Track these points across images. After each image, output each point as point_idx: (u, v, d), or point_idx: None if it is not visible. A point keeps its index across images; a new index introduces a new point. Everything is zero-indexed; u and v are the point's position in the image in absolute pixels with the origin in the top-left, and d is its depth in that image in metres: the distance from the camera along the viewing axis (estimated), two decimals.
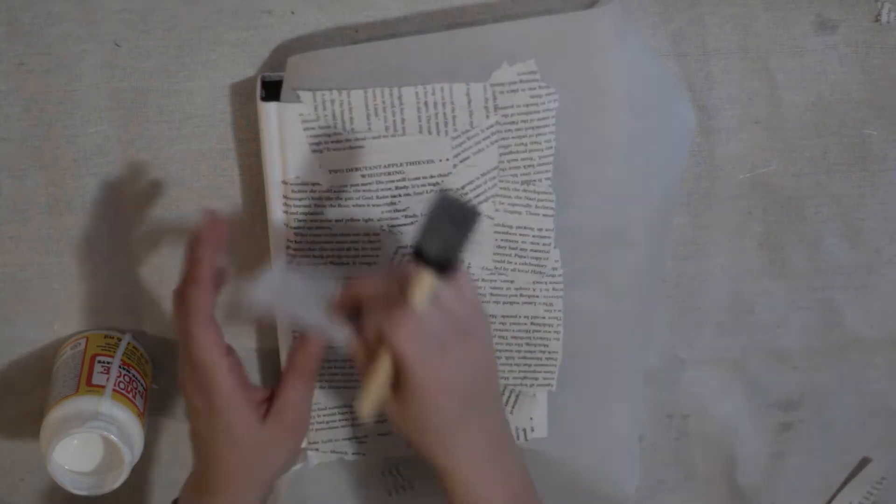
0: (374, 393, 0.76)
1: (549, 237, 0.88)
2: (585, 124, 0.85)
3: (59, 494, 0.89)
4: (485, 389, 0.80)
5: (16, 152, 0.87)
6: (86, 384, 0.88)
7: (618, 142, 0.87)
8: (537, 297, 0.90)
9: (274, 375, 0.94)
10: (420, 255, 0.76)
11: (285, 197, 0.86)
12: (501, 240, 0.88)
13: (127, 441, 0.86)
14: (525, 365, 0.92)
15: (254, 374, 0.96)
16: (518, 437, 0.94)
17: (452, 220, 0.75)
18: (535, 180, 0.87)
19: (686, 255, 0.95)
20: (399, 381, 0.76)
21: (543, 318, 0.91)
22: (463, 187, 0.86)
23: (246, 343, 0.94)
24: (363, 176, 0.85)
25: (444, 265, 0.76)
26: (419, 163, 0.85)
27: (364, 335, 0.77)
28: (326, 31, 0.85)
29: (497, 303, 0.90)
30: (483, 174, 0.86)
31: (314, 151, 0.84)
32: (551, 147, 0.86)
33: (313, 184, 0.85)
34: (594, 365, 0.93)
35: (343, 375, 0.91)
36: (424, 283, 0.76)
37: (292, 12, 0.84)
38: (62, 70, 0.84)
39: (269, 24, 0.84)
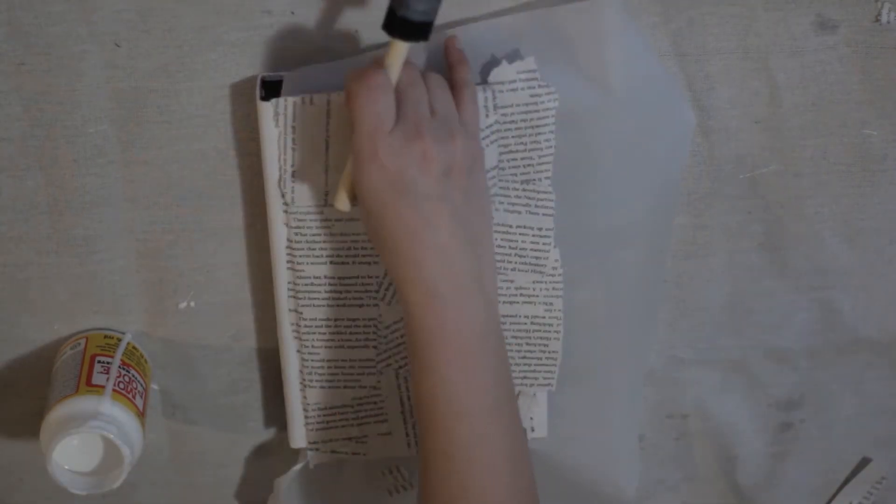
0: (345, 178, 0.76)
1: (548, 237, 0.88)
2: (585, 123, 0.85)
3: (59, 494, 0.89)
4: (449, 193, 0.77)
5: (16, 152, 0.87)
6: (86, 384, 0.88)
7: (618, 141, 0.87)
8: (537, 296, 0.90)
9: (274, 375, 0.94)
10: (391, 26, 0.76)
11: (285, 196, 0.86)
12: (501, 239, 0.88)
13: (127, 441, 0.86)
14: (525, 365, 0.92)
15: (254, 374, 0.96)
16: None
17: None
18: (534, 179, 0.87)
19: (686, 255, 0.95)
20: None
21: (543, 317, 0.91)
22: None
23: (246, 343, 0.95)
24: None
25: (418, 29, 0.75)
26: None
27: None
28: (326, 32, 0.85)
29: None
30: None
31: (321, 151, 0.84)
32: (551, 146, 0.86)
33: None
34: (594, 365, 0.94)
35: (343, 375, 0.91)
36: (396, 52, 0.76)
37: (292, 12, 0.84)
38: (62, 70, 0.84)
39: (269, 24, 0.84)
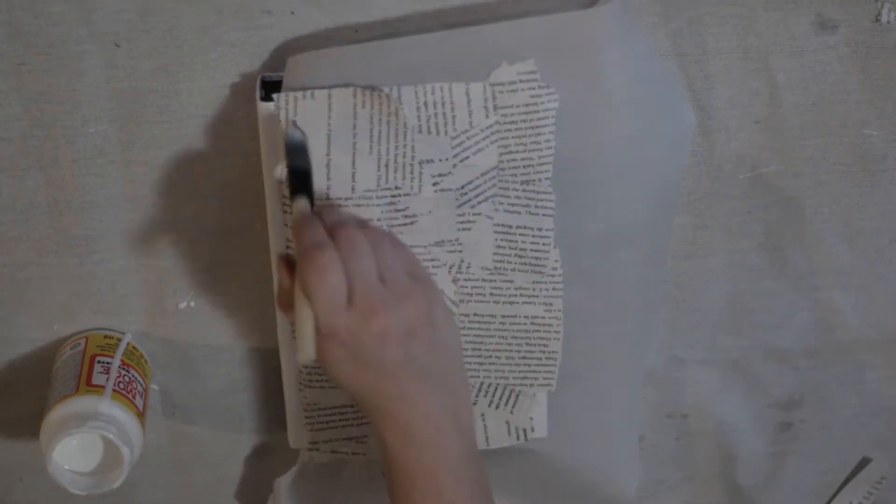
0: (306, 337, 0.76)
1: (548, 237, 0.88)
2: (585, 124, 0.85)
3: (59, 494, 0.89)
4: (414, 355, 0.77)
5: (16, 152, 0.87)
6: (85, 384, 0.88)
7: (618, 142, 0.86)
8: (537, 296, 0.90)
9: (274, 375, 0.94)
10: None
11: (285, 197, 0.86)
12: (501, 239, 0.88)
13: (126, 441, 0.86)
14: (525, 365, 0.92)
15: (254, 374, 0.96)
16: (518, 437, 0.94)
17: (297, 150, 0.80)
18: (534, 180, 0.87)
19: (686, 255, 0.95)
20: None
21: (543, 317, 0.91)
22: (462, 187, 0.86)
23: (246, 343, 0.95)
24: (370, 179, 0.85)
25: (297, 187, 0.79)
26: (425, 163, 0.85)
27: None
28: (326, 31, 0.85)
29: (497, 303, 0.90)
30: (482, 174, 0.86)
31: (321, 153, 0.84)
32: (551, 147, 0.86)
33: None
34: (594, 365, 0.93)
35: None
36: (297, 209, 0.78)
37: (292, 12, 0.84)
38: (62, 70, 0.84)
39: (269, 24, 0.84)
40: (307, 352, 0.76)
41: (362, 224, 0.81)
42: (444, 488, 0.78)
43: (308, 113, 0.83)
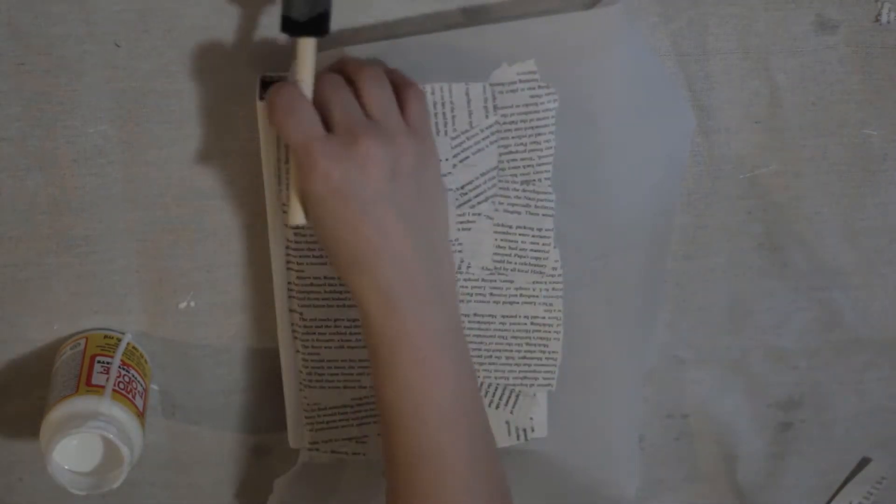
0: (293, 191, 0.75)
1: (548, 237, 0.88)
2: (585, 124, 0.85)
3: (59, 494, 0.89)
4: (398, 194, 0.74)
5: (16, 152, 0.87)
6: (85, 384, 0.88)
7: (618, 142, 0.87)
8: (537, 297, 0.90)
9: (274, 375, 0.94)
10: (291, 27, 0.75)
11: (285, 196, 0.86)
12: (501, 240, 0.88)
13: (126, 441, 0.86)
14: (525, 365, 0.92)
15: (254, 374, 0.96)
16: (518, 437, 0.94)
17: None
18: (534, 180, 0.87)
19: (686, 255, 0.95)
20: None
21: (543, 318, 0.91)
22: (462, 187, 0.86)
23: (246, 343, 0.95)
24: None
25: (314, 24, 0.75)
26: None
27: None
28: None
29: (497, 303, 0.90)
30: (482, 174, 0.86)
31: None
32: (551, 147, 0.86)
33: None
34: (594, 365, 0.94)
35: (343, 375, 0.91)
36: (304, 54, 0.75)
37: None
38: (62, 70, 0.84)
39: (269, 24, 0.84)
40: (292, 217, 0.75)
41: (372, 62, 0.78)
42: (427, 358, 0.76)
43: None
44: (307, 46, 0.76)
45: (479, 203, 0.87)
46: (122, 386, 0.88)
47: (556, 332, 0.91)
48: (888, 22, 0.89)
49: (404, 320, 0.76)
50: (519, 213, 0.87)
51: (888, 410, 1.03)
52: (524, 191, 0.87)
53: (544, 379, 0.93)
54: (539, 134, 0.85)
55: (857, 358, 1.01)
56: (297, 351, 0.91)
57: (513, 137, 0.85)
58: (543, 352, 0.92)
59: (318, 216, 0.75)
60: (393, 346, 0.76)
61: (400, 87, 0.78)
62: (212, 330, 0.94)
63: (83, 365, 0.89)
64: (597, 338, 0.93)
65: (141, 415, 0.89)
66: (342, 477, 0.97)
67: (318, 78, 0.76)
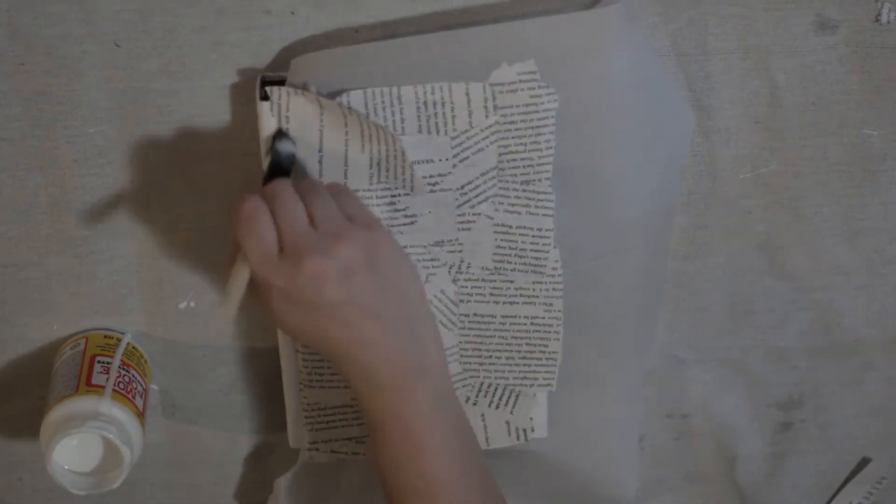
0: (233, 291, 0.78)
1: (548, 237, 0.88)
2: (585, 124, 0.85)
3: (59, 494, 0.89)
4: (360, 293, 0.77)
5: (16, 152, 0.87)
6: (85, 384, 0.88)
7: (618, 142, 0.86)
8: (537, 297, 0.90)
9: (274, 375, 0.94)
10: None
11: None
12: (501, 240, 0.88)
13: (126, 441, 0.86)
14: (525, 365, 0.92)
15: (254, 374, 0.96)
16: (518, 437, 0.94)
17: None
18: (534, 180, 0.87)
19: (686, 255, 0.95)
20: None
21: (543, 318, 0.91)
22: (462, 187, 0.86)
23: (246, 343, 0.95)
24: (362, 176, 0.85)
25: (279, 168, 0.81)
26: (418, 162, 0.85)
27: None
28: (326, 32, 0.85)
29: (497, 303, 0.90)
30: (482, 174, 0.86)
31: (314, 150, 0.84)
32: (551, 147, 0.86)
33: None
34: (594, 365, 0.93)
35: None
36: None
37: (292, 12, 0.84)
38: (62, 70, 0.84)
39: (269, 25, 0.84)
40: (228, 309, 0.79)
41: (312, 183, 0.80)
42: (413, 434, 0.78)
43: (300, 109, 0.83)
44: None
45: (478, 203, 0.87)
46: (122, 386, 0.88)
47: (556, 332, 0.91)
48: (888, 22, 0.89)
49: (388, 399, 0.78)
50: (519, 213, 0.87)
51: (888, 410, 1.03)
52: (524, 191, 0.87)
53: (544, 379, 0.93)
54: (539, 134, 0.85)
55: (857, 358, 1.01)
56: (297, 351, 0.91)
57: (513, 137, 0.85)
58: (543, 352, 0.92)
59: (285, 325, 0.78)
60: (381, 423, 0.79)
61: (331, 191, 0.80)
62: (212, 330, 0.94)
63: (83, 365, 0.89)
64: (597, 338, 0.93)
65: (141, 415, 0.89)
66: (342, 477, 0.97)
67: (273, 190, 0.78)
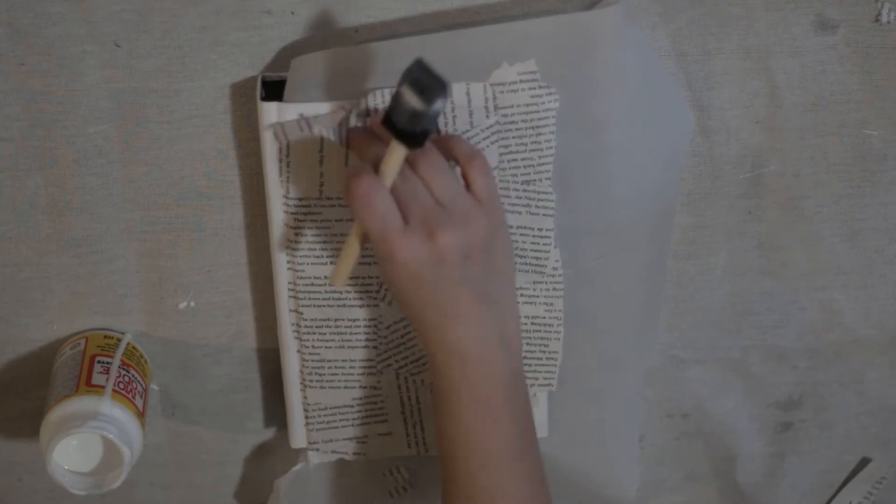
0: (343, 264, 0.80)
1: (549, 237, 0.88)
2: (585, 124, 0.85)
3: (59, 494, 0.89)
4: (471, 273, 0.79)
5: (16, 152, 0.87)
6: (85, 384, 0.88)
7: (618, 142, 0.87)
8: (537, 297, 0.90)
9: (274, 375, 0.94)
10: (391, 126, 0.77)
11: (285, 196, 0.86)
12: None
13: (126, 441, 0.86)
14: (525, 365, 0.92)
15: (254, 374, 0.96)
16: None
17: (421, 90, 0.75)
18: (535, 180, 0.87)
19: (686, 255, 0.95)
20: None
21: (543, 318, 0.91)
22: None
23: (246, 343, 0.95)
24: None
25: (412, 137, 0.76)
26: None
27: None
28: (326, 32, 0.85)
29: None
30: None
31: (315, 151, 0.84)
32: (551, 147, 0.86)
33: None
34: (594, 365, 0.94)
35: (343, 375, 0.91)
36: (393, 156, 0.77)
37: (292, 12, 0.84)
38: (62, 70, 0.84)
39: (269, 25, 0.84)
40: (336, 279, 0.81)
41: (427, 151, 0.80)
42: (489, 403, 0.80)
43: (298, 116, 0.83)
44: (398, 151, 0.77)
45: None
46: (122, 386, 0.88)
47: (557, 332, 0.91)
48: (888, 22, 0.89)
49: (468, 368, 0.80)
50: (519, 212, 0.87)
51: (888, 410, 1.03)
52: (525, 191, 0.87)
53: (544, 379, 0.93)
54: (540, 134, 0.85)
55: (857, 358, 1.01)
56: (298, 351, 0.91)
57: (513, 137, 0.85)
58: (543, 352, 0.92)
59: (395, 293, 0.80)
60: (456, 391, 0.81)
61: (464, 160, 0.81)
62: (212, 330, 0.94)
63: (83, 365, 0.89)
64: (597, 338, 0.93)
65: (141, 415, 0.89)
66: (342, 477, 0.97)
67: (400, 173, 0.78)
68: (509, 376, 0.81)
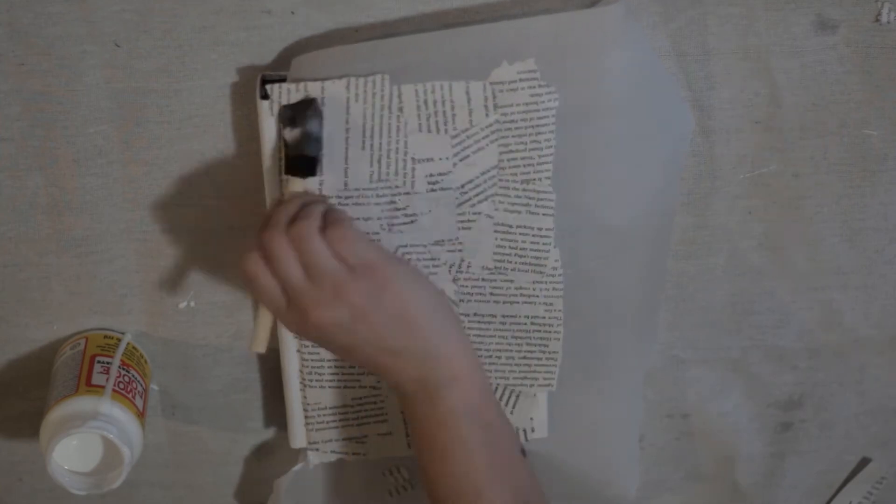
0: (259, 331, 0.83)
1: (548, 236, 0.88)
2: (585, 123, 0.85)
3: (59, 494, 0.89)
4: (372, 329, 0.79)
5: (16, 152, 0.87)
6: (85, 384, 0.88)
7: (618, 141, 0.87)
8: (537, 296, 0.90)
9: (274, 375, 0.94)
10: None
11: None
12: (501, 239, 0.88)
13: (126, 441, 0.86)
14: (525, 365, 0.92)
15: (254, 374, 0.96)
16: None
17: (289, 119, 0.82)
18: (534, 179, 0.87)
19: (686, 255, 0.95)
20: None
21: (543, 317, 0.91)
22: (462, 186, 0.86)
23: (246, 343, 0.94)
24: (362, 175, 0.85)
25: (298, 166, 0.82)
26: (419, 161, 0.85)
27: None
28: (326, 32, 0.85)
29: (497, 302, 0.90)
30: (483, 173, 0.86)
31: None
32: (551, 146, 0.86)
33: None
34: (594, 365, 0.93)
35: (343, 375, 0.91)
36: (287, 191, 0.81)
37: (292, 12, 0.84)
38: (62, 70, 0.84)
39: (269, 24, 0.84)
40: (258, 348, 0.84)
41: (309, 213, 0.80)
42: (438, 441, 0.81)
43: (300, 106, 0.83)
44: (291, 184, 0.83)
45: (479, 202, 0.87)
46: (122, 386, 0.88)
47: (557, 332, 0.91)
48: (888, 22, 0.89)
49: (415, 408, 0.82)
50: (519, 212, 0.87)
51: (888, 410, 1.03)
52: (524, 190, 0.87)
53: (544, 379, 0.93)
54: (539, 133, 0.85)
55: (857, 358, 1.01)
56: (298, 351, 0.91)
57: (513, 136, 0.85)
58: (543, 352, 0.92)
59: (324, 347, 0.84)
60: (411, 426, 0.83)
61: (323, 230, 0.79)
62: (212, 330, 0.94)
63: (83, 365, 0.89)
64: (597, 338, 0.93)
65: (141, 415, 0.89)
66: (342, 477, 0.97)
67: (267, 243, 0.79)
68: (458, 412, 0.80)
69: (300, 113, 0.82)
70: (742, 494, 1.05)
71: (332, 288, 0.78)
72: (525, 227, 0.88)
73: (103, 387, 0.88)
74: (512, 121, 0.85)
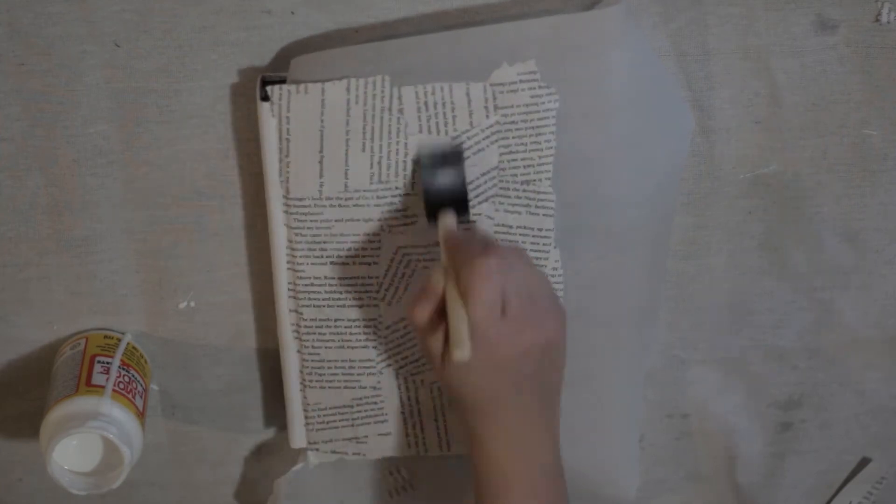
0: (463, 339, 0.79)
1: (549, 237, 0.88)
2: (585, 124, 0.85)
3: (59, 494, 0.89)
4: (541, 371, 0.81)
5: (16, 152, 0.87)
6: (85, 384, 0.88)
7: (618, 142, 0.87)
8: None
9: (274, 375, 0.94)
10: (432, 211, 0.83)
11: (285, 196, 0.86)
12: (501, 239, 0.88)
13: (126, 441, 0.86)
14: None
15: (254, 374, 0.96)
16: None
17: (442, 165, 0.82)
18: (535, 180, 0.87)
19: (686, 255, 0.95)
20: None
21: None
22: None
23: (246, 343, 0.95)
24: (363, 176, 0.85)
25: (456, 207, 0.83)
26: (412, 160, 0.85)
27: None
28: (326, 32, 0.85)
29: None
30: (483, 174, 0.86)
31: (315, 151, 0.84)
32: (551, 147, 0.86)
33: None
34: (594, 365, 0.93)
35: (343, 375, 0.91)
36: (440, 229, 0.81)
37: (292, 13, 0.84)
38: (62, 70, 0.84)
39: (269, 25, 0.84)
40: (465, 351, 0.79)
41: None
42: (534, 484, 0.83)
43: (301, 108, 0.83)
44: (444, 220, 0.83)
45: (479, 203, 0.87)
46: (122, 386, 0.88)
47: None
48: (888, 22, 0.89)
49: (517, 452, 0.83)
50: (519, 213, 0.87)
51: (888, 410, 1.03)
52: (525, 191, 0.87)
53: None
54: (539, 134, 0.85)
55: (857, 358, 1.01)
56: (297, 351, 0.91)
57: (513, 137, 0.85)
58: None
59: (463, 372, 0.81)
60: (501, 469, 0.83)
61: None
62: (212, 330, 0.94)
63: (83, 365, 0.89)
64: (597, 338, 0.93)
65: (141, 415, 0.89)
66: (342, 477, 0.97)
67: (505, 253, 0.80)
68: (552, 466, 0.84)
69: (455, 161, 0.84)
70: (742, 494, 1.05)
71: (543, 313, 0.80)
72: (525, 227, 0.88)
73: (103, 387, 0.88)
74: (512, 122, 0.85)
